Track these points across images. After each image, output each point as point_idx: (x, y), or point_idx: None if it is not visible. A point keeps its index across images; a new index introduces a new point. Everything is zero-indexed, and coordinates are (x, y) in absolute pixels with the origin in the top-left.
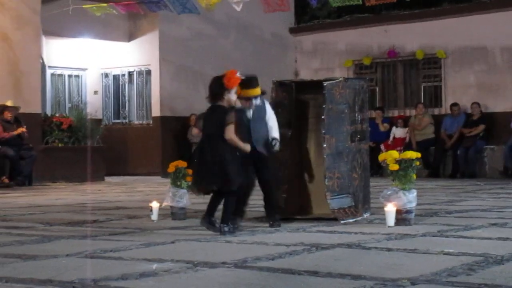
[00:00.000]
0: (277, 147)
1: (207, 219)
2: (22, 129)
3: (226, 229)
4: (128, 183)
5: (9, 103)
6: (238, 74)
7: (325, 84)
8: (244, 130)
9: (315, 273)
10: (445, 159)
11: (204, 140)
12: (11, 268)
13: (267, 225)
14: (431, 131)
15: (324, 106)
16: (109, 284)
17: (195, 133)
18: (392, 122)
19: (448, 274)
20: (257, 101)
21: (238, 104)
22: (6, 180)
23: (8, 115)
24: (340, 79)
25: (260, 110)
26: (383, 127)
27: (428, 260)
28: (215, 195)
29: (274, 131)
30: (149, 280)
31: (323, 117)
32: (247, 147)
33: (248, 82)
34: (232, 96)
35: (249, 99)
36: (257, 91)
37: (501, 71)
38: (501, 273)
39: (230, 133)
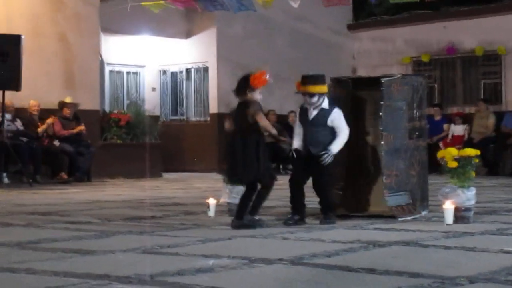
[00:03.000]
0: (325, 160)
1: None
2: (81, 128)
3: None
4: (185, 180)
5: (68, 100)
6: (267, 76)
7: (382, 81)
8: (305, 129)
9: (372, 271)
10: (505, 157)
11: (234, 135)
12: (69, 262)
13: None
14: (492, 129)
15: (381, 102)
16: (165, 279)
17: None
18: (450, 119)
19: (507, 273)
20: (315, 101)
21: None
22: (65, 176)
23: (67, 112)
24: (398, 75)
25: (323, 115)
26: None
27: (487, 258)
28: (245, 194)
29: (337, 143)
30: (205, 276)
31: (380, 114)
32: (282, 138)
33: (305, 78)
34: (256, 95)
35: (303, 95)
36: (309, 88)
37: None
38: None
39: (263, 120)
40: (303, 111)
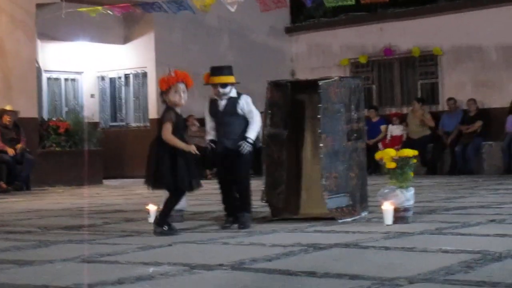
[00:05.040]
0: (244, 149)
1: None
2: (22, 147)
3: (158, 230)
4: (126, 186)
5: (8, 107)
6: (171, 73)
7: (320, 84)
8: (217, 122)
9: (312, 274)
10: (443, 156)
11: (152, 142)
12: (7, 274)
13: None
14: (428, 128)
15: (319, 105)
16: None
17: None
18: (388, 120)
19: (446, 272)
20: (227, 91)
21: (182, 102)
22: (4, 185)
23: (7, 119)
24: (335, 78)
25: (233, 103)
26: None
27: (426, 258)
28: (168, 200)
29: (250, 131)
30: (145, 284)
31: (319, 116)
32: (190, 147)
33: (214, 70)
34: (171, 97)
35: (214, 86)
36: (222, 79)
37: (497, 68)
38: (499, 270)
39: (166, 133)
40: (212, 103)
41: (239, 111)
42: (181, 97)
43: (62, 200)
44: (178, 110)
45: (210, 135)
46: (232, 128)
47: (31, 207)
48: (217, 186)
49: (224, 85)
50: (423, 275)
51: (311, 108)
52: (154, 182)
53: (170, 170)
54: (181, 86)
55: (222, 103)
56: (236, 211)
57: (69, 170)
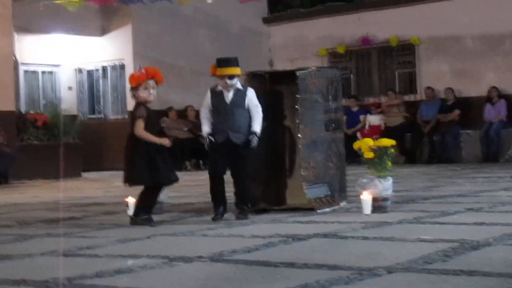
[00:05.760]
0: (254, 143)
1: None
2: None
3: (140, 219)
4: (105, 179)
5: None
6: (141, 71)
7: (297, 74)
8: (222, 114)
9: (291, 265)
10: (422, 145)
11: (127, 138)
12: None
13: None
14: (402, 116)
15: (297, 96)
16: (83, 282)
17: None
18: (367, 110)
19: (424, 261)
20: (234, 83)
21: (151, 98)
22: None
23: None
24: (313, 68)
25: (240, 96)
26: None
27: (404, 247)
28: (142, 192)
29: (256, 124)
30: (124, 277)
31: (296, 107)
32: (163, 141)
33: (221, 61)
34: (141, 93)
35: (222, 78)
36: (231, 70)
37: (474, 57)
38: (477, 259)
39: (138, 130)
40: (217, 94)
41: (247, 103)
42: (150, 93)
43: (40, 193)
44: (148, 105)
45: (208, 127)
46: (238, 120)
47: (9, 200)
48: (202, 177)
49: (232, 77)
50: (402, 265)
51: (289, 99)
52: (132, 179)
53: (147, 166)
54: (151, 83)
55: (230, 95)
56: (237, 202)
57: (48, 163)
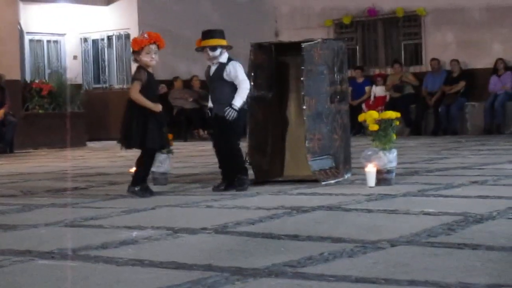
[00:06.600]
0: (229, 115)
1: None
2: (4, 110)
3: (135, 189)
4: (110, 148)
5: None
6: (144, 35)
7: (303, 46)
8: (209, 88)
9: (295, 237)
10: (427, 117)
11: (127, 102)
12: None
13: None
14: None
15: (303, 67)
16: (88, 253)
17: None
18: (372, 81)
19: (427, 234)
20: (217, 54)
21: (153, 63)
22: None
23: None
24: (318, 40)
25: (221, 69)
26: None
27: (408, 220)
28: (139, 161)
29: (237, 97)
30: (129, 248)
31: (302, 78)
32: (156, 106)
33: (204, 33)
34: (142, 57)
35: (202, 49)
36: (211, 41)
37: (480, 28)
38: (480, 232)
39: (133, 91)
40: (207, 70)
41: (225, 77)
42: (152, 58)
43: (46, 163)
44: (150, 70)
45: (209, 101)
46: (219, 93)
47: (15, 170)
48: (206, 147)
49: (214, 48)
50: (405, 238)
51: (294, 70)
52: (125, 141)
53: (140, 129)
54: (153, 48)
55: (213, 68)
56: (231, 175)
57: (53, 132)
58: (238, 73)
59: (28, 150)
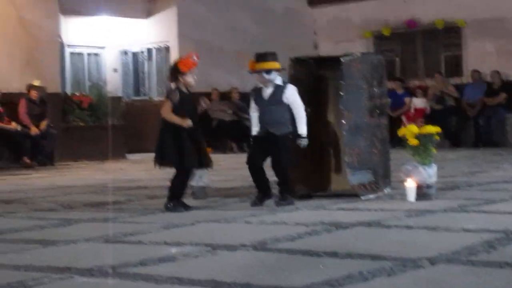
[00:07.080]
0: (303, 145)
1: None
2: (45, 122)
3: (170, 205)
4: (149, 161)
5: (36, 83)
6: (193, 58)
7: (342, 60)
8: (261, 110)
9: (334, 254)
10: (467, 129)
11: (162, 121)
12: (30, 255)
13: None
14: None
15: (342, 82)
16: (128, 271)
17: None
18: (412, 92)
19: (468, 252)
20: (272, 78)
21: (194, 83)
22: (28, 161)
23: (34, 94)
24: (357, 54)
25: (279, 92)
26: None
27: (447, 238)
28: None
29: (302, 125)
30: (167, 265)
31: (341, 93)
32: (184, 121)
33: (258, 56)
34: (188, 78)
35: (258, 72)
36: (266, 64)
37: None
38: None
39: (163, 110)
40: (257, 92)
41: (284, 99)
42: (194, 78)
43: (85, 175)
44: (184, 89)
45: (255, 129)
46: (276, 115)
47: (55, 183)
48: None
49: (269, 71)
50: (445, 256)
51: (333, 84)
52: (160, 160)
53: (174, 147)
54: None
55: (268, 91)
56: (267, 188)
57: (93, 144)
58: (296, 98)
59: (68, 162)
